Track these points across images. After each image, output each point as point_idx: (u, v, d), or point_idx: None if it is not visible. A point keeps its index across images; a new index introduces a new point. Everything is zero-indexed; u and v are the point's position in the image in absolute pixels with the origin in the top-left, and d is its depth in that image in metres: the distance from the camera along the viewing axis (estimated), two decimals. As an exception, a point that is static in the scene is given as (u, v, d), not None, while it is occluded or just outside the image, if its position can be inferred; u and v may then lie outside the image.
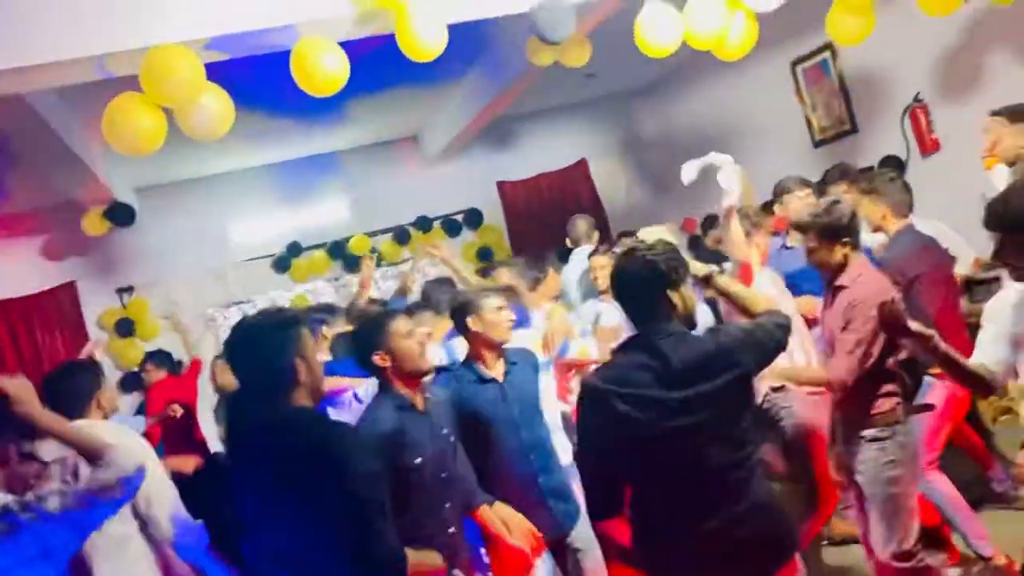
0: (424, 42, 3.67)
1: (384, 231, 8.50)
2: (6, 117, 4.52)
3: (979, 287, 4.57)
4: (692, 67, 7.82)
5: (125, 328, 7.75)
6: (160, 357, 6.80)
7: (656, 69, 7.87)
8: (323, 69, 3.49)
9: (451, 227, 8.69)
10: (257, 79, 4.75)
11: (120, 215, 6.99)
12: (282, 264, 8.23)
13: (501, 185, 8.89)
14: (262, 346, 2.17)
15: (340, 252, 8.33)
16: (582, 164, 9.13)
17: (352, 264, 8.38)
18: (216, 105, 3.38)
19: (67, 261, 7.75)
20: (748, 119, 7.71)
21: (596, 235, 5.89)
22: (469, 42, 5.98)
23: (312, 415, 2.22)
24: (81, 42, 3.25)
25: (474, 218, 8.75)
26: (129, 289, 7.91)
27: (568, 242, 5.91)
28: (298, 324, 2.23)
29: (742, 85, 7.47)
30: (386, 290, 7.82)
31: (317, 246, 8.31)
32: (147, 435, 4.52)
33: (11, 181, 6.46)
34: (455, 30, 4.02)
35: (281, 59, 3.66)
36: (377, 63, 5.01)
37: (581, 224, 5.82)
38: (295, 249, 8.23)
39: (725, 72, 6.80)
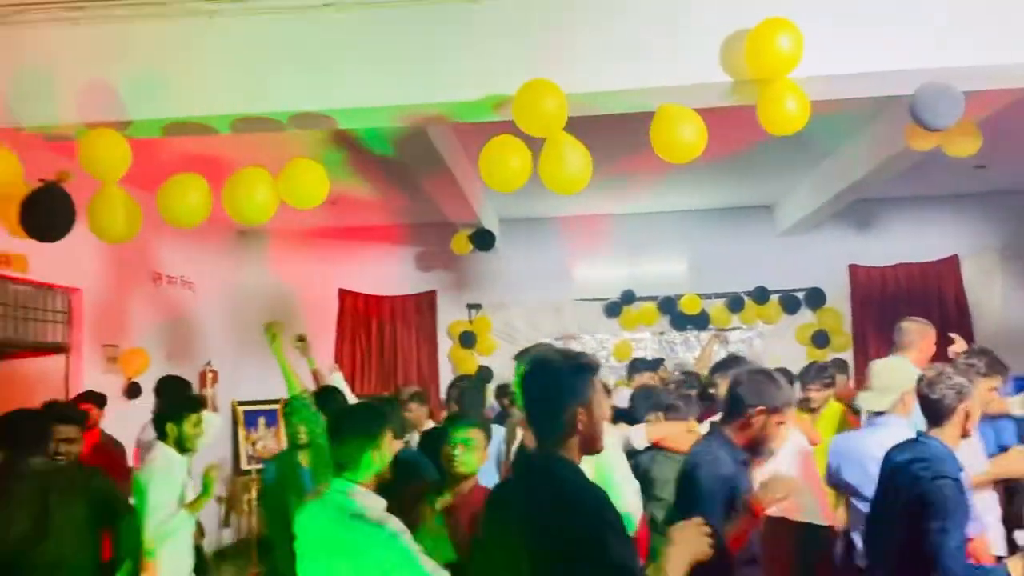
0: (786, 116, 3.63)
1: (718, 295, 8.43)
2: (410, 145, 5.28)
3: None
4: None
5: (468, 340, 8.56)
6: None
7: (1062, 169, 6.92)
8: (679, 138, 3.59)
9: (789, 303, 8.36)
10: (621, 131, 5.04)
11: (483, 240, 7.74)
12: (614, 309, 8.53)
13: (854, 269, 8.37)
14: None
15: (670, 308, 8.42)
16: (952, 261, 8.28)
17: (679, 322, 8.44)
18: (577, 163, 3.62)
19: (432, 273, 8.80)
20: None
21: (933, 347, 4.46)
22: (840, 119, 5.78)
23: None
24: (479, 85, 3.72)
25: (815, 298, 8.34)
26: (477, 306, 8.73)
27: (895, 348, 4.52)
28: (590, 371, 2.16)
29: None
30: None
31: (649, 298, 8.48)
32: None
33: (399, 199, 7.50)
34: (825, 107, 3.92)
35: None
36: (739, 129, 5.05)
37: (912, 328, 4.45)
38: (628, 297, 8.49)
39: None
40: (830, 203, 7.19)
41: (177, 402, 4.16)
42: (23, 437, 3.58)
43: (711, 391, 4.49)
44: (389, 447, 2.84)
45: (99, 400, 5.33)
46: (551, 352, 2.31)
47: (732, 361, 4.54)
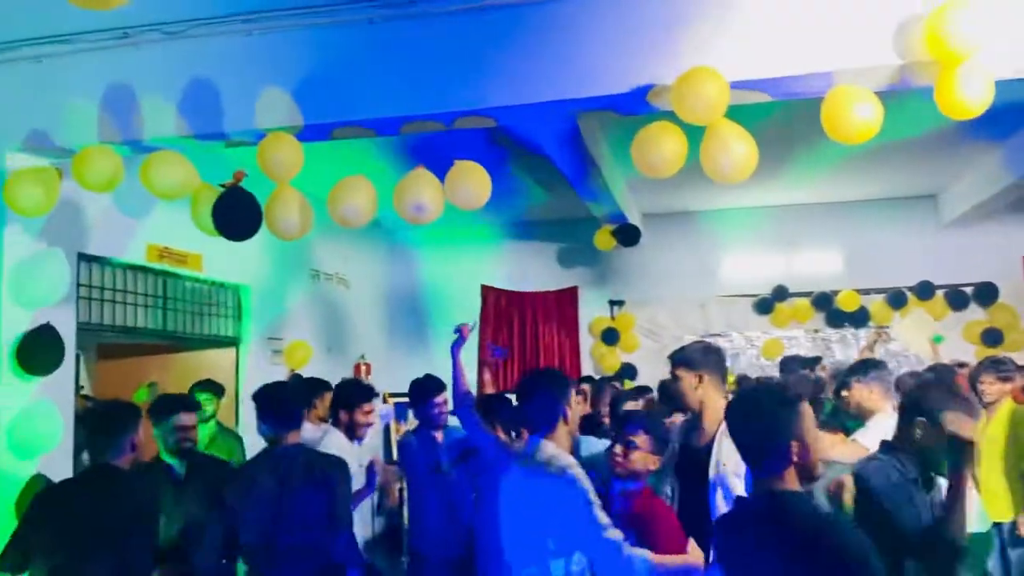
0: (967, 99, 3.38)
1: (878, 291, 8.01)
2: (552, 134, 5.27)
3: None
4: None
5: (610, 337, 8.51)
6: None
7: None
8: (856, 118, 3.41)
9: (956, 299, 7.84)
10: (769, 120, 4.85)
11: (627, 235, 7.66)
12: (764, 306, 8.25)
13: (1030, 262, 7.77)
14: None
15: (825, 304, 8.07)
16: None
17: (835, 319, 8.08)
18: (742, 150, 3.50)
19: (574, 269, 8.80)
20: None
21: None
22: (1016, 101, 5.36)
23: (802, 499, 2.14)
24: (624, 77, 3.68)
25: (986, 293, 7.77)
26: (620, 303, 8.66)
27: None
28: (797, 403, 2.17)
29: None
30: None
31: (803, 294, 8.16)
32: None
33: (543, 194, 7.53)
34: (1006, 86, 3.64)
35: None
36: (902, 113, 4.76)
37: None
38: (781, 293, 8.19)
39: None
40: (1005, 191, 6.69)
41: (351, 391, 4.35)
42: (282, 413, 3.41)
43: (843, 393, 4.17)
44: (575, 404, 3.09)
45: (217, 390, 5.34)
46: (756, 387, 2.36)
47: (869, 365, 4.24)
